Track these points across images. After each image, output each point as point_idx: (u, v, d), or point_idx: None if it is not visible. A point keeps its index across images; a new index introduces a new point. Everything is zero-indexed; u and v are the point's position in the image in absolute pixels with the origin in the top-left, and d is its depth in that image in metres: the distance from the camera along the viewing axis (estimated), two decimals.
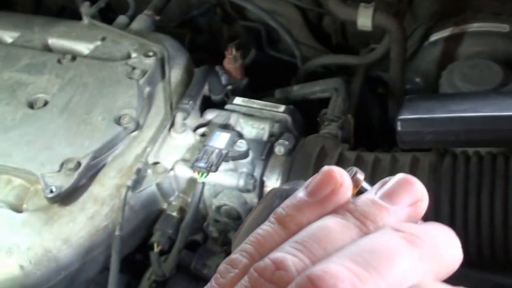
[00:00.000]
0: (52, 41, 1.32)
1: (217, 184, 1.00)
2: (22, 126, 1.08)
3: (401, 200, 0.36)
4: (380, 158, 0.98)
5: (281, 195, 0.40)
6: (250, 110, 1.11)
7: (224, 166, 0.98)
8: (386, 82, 1.48)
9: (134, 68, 1.19)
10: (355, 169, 0.39)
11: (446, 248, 0.35)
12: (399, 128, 0.90)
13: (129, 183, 0.96)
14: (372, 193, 0.37)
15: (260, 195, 1.00)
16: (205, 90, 1.20)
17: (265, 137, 1.05)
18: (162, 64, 1.22)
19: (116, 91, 1.14)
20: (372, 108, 1.50)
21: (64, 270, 0.95)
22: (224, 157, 0.96)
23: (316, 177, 0.37)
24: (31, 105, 1.13)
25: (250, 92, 1.33)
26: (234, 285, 0.33)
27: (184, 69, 1.24)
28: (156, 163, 1.01)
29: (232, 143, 0.98)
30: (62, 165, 1.00)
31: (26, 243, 0.93)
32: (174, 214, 1.01)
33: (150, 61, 1.20)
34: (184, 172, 1.01)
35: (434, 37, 1.36)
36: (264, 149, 1.02)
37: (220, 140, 0.98)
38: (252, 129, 1.07)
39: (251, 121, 1.08)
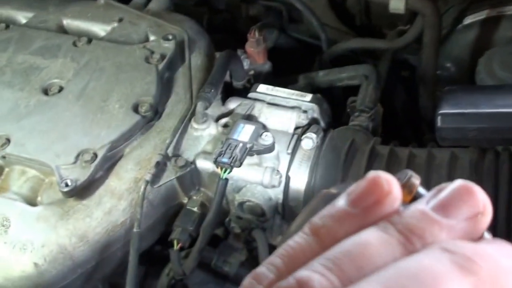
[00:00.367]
0: (67, 22, 1.27)
1: (240, 179, 0.95)
2: (36, 114, 1.03)
3: (457, 213, 0.31)
4: (415, 154, 0.91)
5: (327, 200, 0.36)
6: (275, 99, 1.05)
7: (248, 160, 0.92)
8: (412, 65, 1.41)
9: (152, 52, 1.13)
10: (409, 172, 0.35)
11: (509, 276, 0.29)
12: (439, 124, 0.83)
13: (148, 177, 0.91)
14: (423, 203, 0.32)
15: (286, 192, 0.95)
16: (226, 76, 1.14)
17: (291, 128, 0.99)
18: (181, 48, 1.16)
19: (134, 77, 1.08)
20: (396, 93, 1.44)
21: (80, 267, 0.91)
22: (248, 151, 0.90)
23: (360, 184, 0.33)
24: (45, 91, 1.08)
25: (272, 76, 1.27)
26: None
27: (205, 54, 1.18)
28: (176, 156, 0.95)
29: (256, 136, 0.92)
30: (77, 157, 0.95)
31: (41, 240, 0.89)
32: (195, 209, 0.96)
33: (169, 45, 1.14)
34: (206, 166, 0.96)
35: (468, 20, 1.29)
36: (290, 142, 0.96)
37: (244, 132, 0.92)
38: (277, 120, 1.01)
39: (276, 111, 1.02)
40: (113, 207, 0.93)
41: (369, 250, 0.30)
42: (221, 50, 1.18)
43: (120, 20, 1.24)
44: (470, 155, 0.86)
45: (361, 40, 1.32)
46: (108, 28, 1.24)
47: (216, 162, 0.88)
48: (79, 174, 0.93)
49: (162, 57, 1.11)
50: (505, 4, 1.24)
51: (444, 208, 0.31)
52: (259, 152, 0.92)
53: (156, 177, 0.93)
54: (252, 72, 1.19)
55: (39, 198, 0.97)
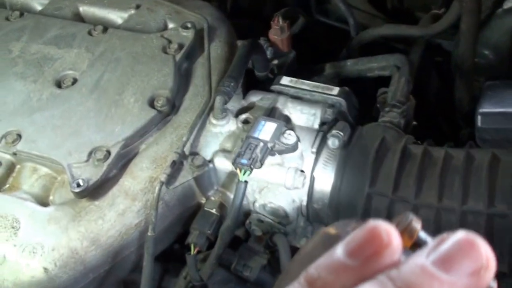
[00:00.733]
0: (84, 9, 1.22)
1: (261, 180, 0.89)
2: (48, 108, 0.98)
3: (459, 268, 0.29)
4: (452, 155, 0.84)
5: (325, 241, 0.35)
6: (299, 92, 0.98)
7: (269, 160, 0.86)
8: (447, 50, 1.33)
9: (170, 42, 1.07)
10: (410, 216, 0.34)
11: None
12: (479, 123, 0.76)
13: (163, 178, 0.85)
14: (424, 255, 0.30)
15: (310, 193, 0.89)
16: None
17: (316, 124, 0.93)
18: (201, 37, 1.09)
19: (150, 68, 1.03)
20: (430, 80, 1.35)
21: (92, 272, 0.86)
22: (269, 152, 0.84)
23: (359, 234, 0.32)
24: (58, 84, 1.03)
25: (297, 65, 1.20)
26: None
27: (225, 42, 1.12)
28: (193, 154, 0.90)
29: (278, 134, 0.85)
30: (90, 154, 0.90)
31: (51, 243, 0.85)
32: (213, 211, 0.91)
33: (188, 34, 1.08)
34: (225, 164, 0.90)
35: (508, 4, 1.20)
36: (315, 140, 0.90)
37: (265, 130, 0.85)
38: (302, 115, 0.94)
39: (301, 105, 0.95)
40: (127, 208, 0.88)
41: None
42: (245, 36, 1.11)
43: (138, 6, 1.18)
44: None
45: (393, 27, 1.23)
46: (125, 15, 1.18)
47: (235, 163, 0.82)
48: (91, 173, 0.88)
49: (180, 46, 1.06)
50: None
51: (445, 262, 0.30)
52: (281, 152, 0.86)
53: (171, 177, 0.88)
54: (275, 62, 1.13)
55: (51, 197, 0.93)
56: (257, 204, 0.90)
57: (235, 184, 0.85)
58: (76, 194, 0.87)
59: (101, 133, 0.93)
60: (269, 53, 1.13)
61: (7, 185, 0.94)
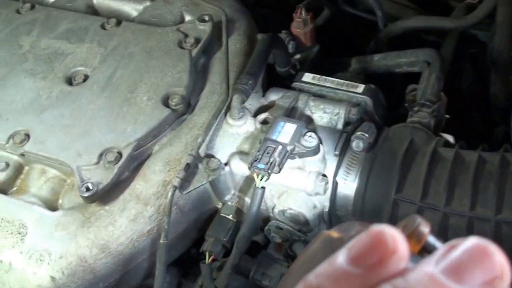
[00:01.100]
0: (97, 1, 1.18)
1: (280, 184, 0.83)
2: (58, 106, 0.94)
3: (471, 278, 0.27)
4: (486, 159, 0.77)
5: (327, 244, 0.34)
6: (322, 90, 0.92)
7: (289, 163, 0.80)
8: (482, 41, 1.25)
9: (186, 36, 1.02)
10: (418, 219, 0.33)
11: None
12: None
13: (176, 182, 0.80)
14: (432, 263, 0.28)
15: (333, 199, 0.83)
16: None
17: (340, 125, 0.87)
18: (219, 30, 1.04)
19: (165, 64, 0.97)
20: (463, 73, 1.28)
21: (102, 281, 0.82)
22: (289, 155, 0.78)
23: (362, 239, 0.30)
24: (69, 81, 0.99)
25: (321, 58, 1.13)
26: None
27: (245, 36, 1.06)
28: (208, 157, 0.85)
29: (298, 136, 0.80)
30: (100, 156, 0.86)
31: (59, 250, 0.80)
32: (230, 217, 0.86)
33: (205, 27, 1.02)
34: (242, 168, 0.85)
35: None
36: (339, 142, 0.84)
37: (285, 132, 0.80)
38: (324, 114, 0.88)
39: (323, 104, 0.89)
40: (139, 214, 0.84)
41: None
42: (267, 28, 1.05)
43: None
44: None
45: (423, 19, 1.16)
46: (140, 7, 1.14)
47: (251, 168, 0.76)
48: (101, 177, 0.84)
49: (197, 41, 1.00)
50: None
51: (455, 271, 0.28)
52: (301, 155, 0.80)
53: (185, 181, 0.82)
54: (297, 57, 1.06)
55: (60, 201, 0.89)
56: (276, 210, 0.85)
57: (253, 189, 0.80)
58: (85, 198, 0.82)
59: (112, 133, 0.89)
60: (290, 47, 1.07)
61: (15, 188, 0.90)
